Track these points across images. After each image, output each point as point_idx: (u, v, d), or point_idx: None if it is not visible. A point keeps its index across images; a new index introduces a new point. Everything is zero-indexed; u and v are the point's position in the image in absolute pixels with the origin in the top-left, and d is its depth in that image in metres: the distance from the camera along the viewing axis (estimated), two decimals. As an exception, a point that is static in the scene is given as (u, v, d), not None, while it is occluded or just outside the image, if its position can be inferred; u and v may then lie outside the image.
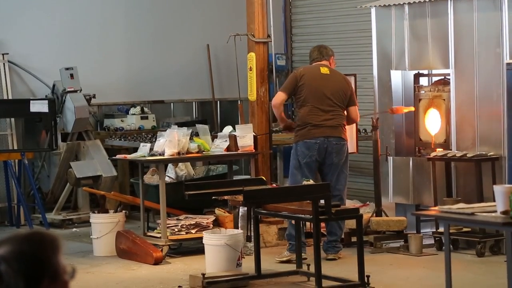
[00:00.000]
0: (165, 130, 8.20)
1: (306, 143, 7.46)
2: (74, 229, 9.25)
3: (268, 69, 8.59)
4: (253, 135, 8.12)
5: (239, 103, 9.44)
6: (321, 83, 7.55)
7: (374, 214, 8.19)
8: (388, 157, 8.46)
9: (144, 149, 8.04)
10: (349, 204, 8.26)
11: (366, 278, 6.17)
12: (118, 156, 8.54)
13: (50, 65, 9.74)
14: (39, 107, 9.32)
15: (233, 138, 8.13)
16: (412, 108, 8.40)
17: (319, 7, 10.65)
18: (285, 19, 10.99)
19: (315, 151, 7.45)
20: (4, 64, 9.74)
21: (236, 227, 7.79)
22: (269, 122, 8.52)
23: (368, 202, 8.92)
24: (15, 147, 9.64)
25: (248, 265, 6.91)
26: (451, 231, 6.44)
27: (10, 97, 9.69)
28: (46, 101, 9.35)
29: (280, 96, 7.57)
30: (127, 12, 10.62)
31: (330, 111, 7.49)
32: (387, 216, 8.22)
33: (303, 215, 6.37)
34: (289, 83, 7.63)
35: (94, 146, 9.52)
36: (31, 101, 9.40)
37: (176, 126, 8.44)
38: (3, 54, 9.76)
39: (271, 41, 8.61)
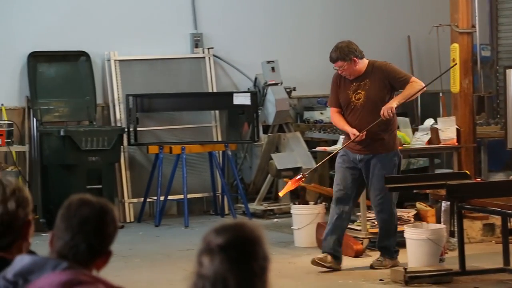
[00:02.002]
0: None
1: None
2: (275, 220, 9.41)
3: (472, 60, 8.33)
4: (456, 128, 7.90)
5: (440, 95, 9.23)
6: None
7: None
8: None
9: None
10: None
11: None
12: (317, 149, 8.60)
13: (252, 59, 9.95)
14: (242, 99, 9.56)
15: (434, 131, 7.96)
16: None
17: (527, -6, 10.19)
18: (491, 8, 10.59)
19: None
20: (209, 58, 10.08)
21: (438, 221, 7.62)
22: (473, 115, 8.25)
23: None
24: (219, 139, 9.95)
25: (450, 261, 6.74)
26: None
27: (214, 90, 10.02)
28: (249, 94, 9.58)
29: None
30: (325, 4, 10.65)
31: None
32: None
33: (510, 211, 6.12)
34: None
35: (294, 138, 9.65)
36: (234, 94, 9.66)
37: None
38: (208, 49, 10.10)
39: (475, 32, 8.33)
